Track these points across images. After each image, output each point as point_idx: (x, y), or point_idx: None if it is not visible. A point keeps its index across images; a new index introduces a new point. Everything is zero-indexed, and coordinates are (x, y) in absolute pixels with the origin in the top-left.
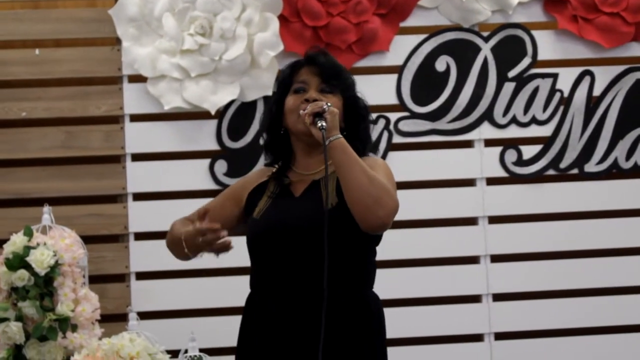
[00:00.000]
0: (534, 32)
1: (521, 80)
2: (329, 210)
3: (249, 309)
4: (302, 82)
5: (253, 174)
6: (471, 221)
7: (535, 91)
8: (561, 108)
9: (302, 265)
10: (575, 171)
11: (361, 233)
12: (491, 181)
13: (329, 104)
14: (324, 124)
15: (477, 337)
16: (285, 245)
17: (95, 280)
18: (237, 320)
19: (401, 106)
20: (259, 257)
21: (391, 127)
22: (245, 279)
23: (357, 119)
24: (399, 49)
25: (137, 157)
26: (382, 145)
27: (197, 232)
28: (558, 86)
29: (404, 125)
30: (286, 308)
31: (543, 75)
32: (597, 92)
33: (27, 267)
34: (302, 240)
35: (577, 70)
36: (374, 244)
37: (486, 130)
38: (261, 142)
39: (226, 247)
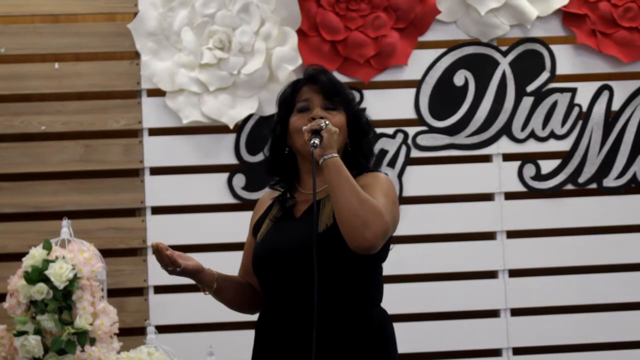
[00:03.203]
0: (553, 47)
1: (540, 95)
2: (322, 232)
3: (258, 327)
4: (305, 101)
5: (261, 201)
6: (489, 236)
7: (553, 106)
8: (580, 123)
9: (299, 288)
10: (593, 186)
11: (347, 253)
12: (509, 196)
13: (327, 122)
14: (316, 141)
15: (496, 352)
16: (282, 269)
17: (113, 293)
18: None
19: (419, 120)
20: (261, 279)
21: (409, 141)
22: None
23: (359, 134)
24: (417, 63)
25: (155, 171)
26: (400, 159)
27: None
28: (577, 101)
29: (422, 140)
30: (287, 329)
31: (561, 90)
32: (615, 106)
33: (46, 280)
34: (297, 263)
35: (596, 85)
36: (378, 261)
37: (504, 145)
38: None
39: (166, 259)
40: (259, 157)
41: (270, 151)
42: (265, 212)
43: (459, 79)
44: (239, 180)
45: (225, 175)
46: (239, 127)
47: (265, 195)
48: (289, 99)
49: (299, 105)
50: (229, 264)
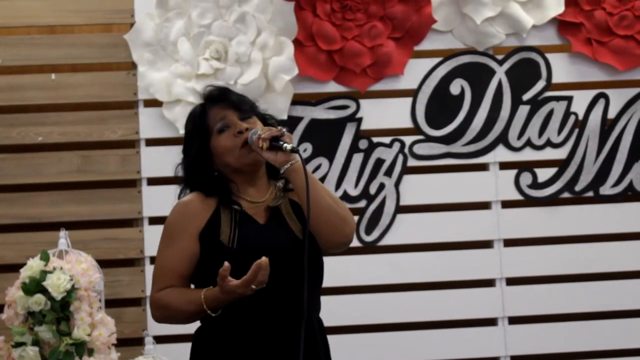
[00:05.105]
0: (549, 55)
1: (536, 103)
2: (301, 238)
3: (211, 341)
4: (221, 120)
5: (194, 206)
6: (486, 244)
7: (549, 114)
8: (576, 131)
9: (285, 290)
10: (590, 194)
11: (321, 258)
12: (506, 204)
13: (285, 128)
14: (294, 146)
15: None
16: (273, 271)
17: (111, 304)
18: None
19: (416, 129)
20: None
21: (406, 150)
22: None
23: None
24: (414, 72)
25: (152, 181)
26: (397, 168)
27: (246, 283)
28: (573, 109)
29: (419, 149)
30: (269, 330)
31: (558, 98)
32: (611, 114)
33: (44, 291)
34: (288, 265)
35: (592, 93)
36: None
37: (501, 153)
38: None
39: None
40: None
41: (198, 176)
42: (212, 218)
43: (455, 87)
44: None
45: None
46: None
47: (193, 200)
48: (201, 125)
49: (218, 126)
50: None
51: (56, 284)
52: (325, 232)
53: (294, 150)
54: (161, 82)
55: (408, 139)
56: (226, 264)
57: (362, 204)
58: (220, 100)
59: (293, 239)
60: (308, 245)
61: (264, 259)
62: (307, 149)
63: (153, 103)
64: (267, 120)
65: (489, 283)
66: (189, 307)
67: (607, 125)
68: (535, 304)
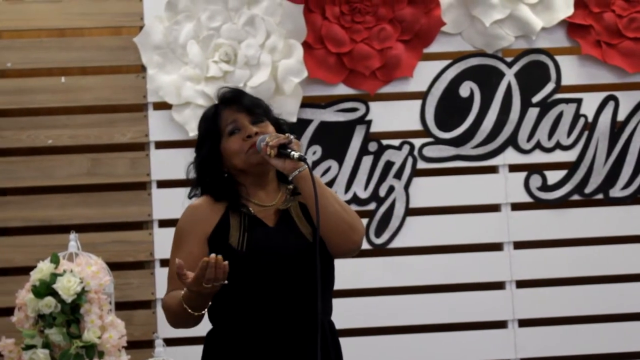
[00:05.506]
0: (558, 58)
1: (545, 106)
2: (311, 241)
3: (222, 343)
4: (233, 123)
5: (202, 211)
6: (496, 247)
7: (559, 116)
8: (585, 133)
9: (295, 292)
10: (600, 196)
11: (332, 260)
12: (516, 206)
13: (293, 135)
14: (301, 154)
15: None
16: (283, 273)
17: (121, 306)
18: None
19: (425, 132)
20: (251, 287)
21: (415, 152)
22: None
23: None
24: (423, 75)
25: (162, 184)
26: (407, 171)
27: (195, 280)
28: (582, 111)
29: (429, 151)
30: (279, 333)
31: (567, 101)
32: (621, 117)
33: (54, 294)
34: (298, 267)
35: (601, 95)
36: None
37: (510, 156)
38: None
39: (225, 272)
40: None
41: (208, 178)
42: (221, 222)
43: (464, 90)
44: None
45: None
46: None
47: (202, 204)
48: (213, 127)
49: (229, 128)
50: None
51: (66, 286)
52: (333, 239)
53: (302, 159)
54: (170, 85)
55: (417, 142)
56: (178, 260)
57: (371, 206)
58: (232, 103)
59: (303, 242)
60: (319, 250)
61: (212, 255)
62: (316, 151)
63: (162, 106)
64: (280, 124)
65: (498, 285)
66: (177, 308)
67: (616, 128)
68: (545, 306)
